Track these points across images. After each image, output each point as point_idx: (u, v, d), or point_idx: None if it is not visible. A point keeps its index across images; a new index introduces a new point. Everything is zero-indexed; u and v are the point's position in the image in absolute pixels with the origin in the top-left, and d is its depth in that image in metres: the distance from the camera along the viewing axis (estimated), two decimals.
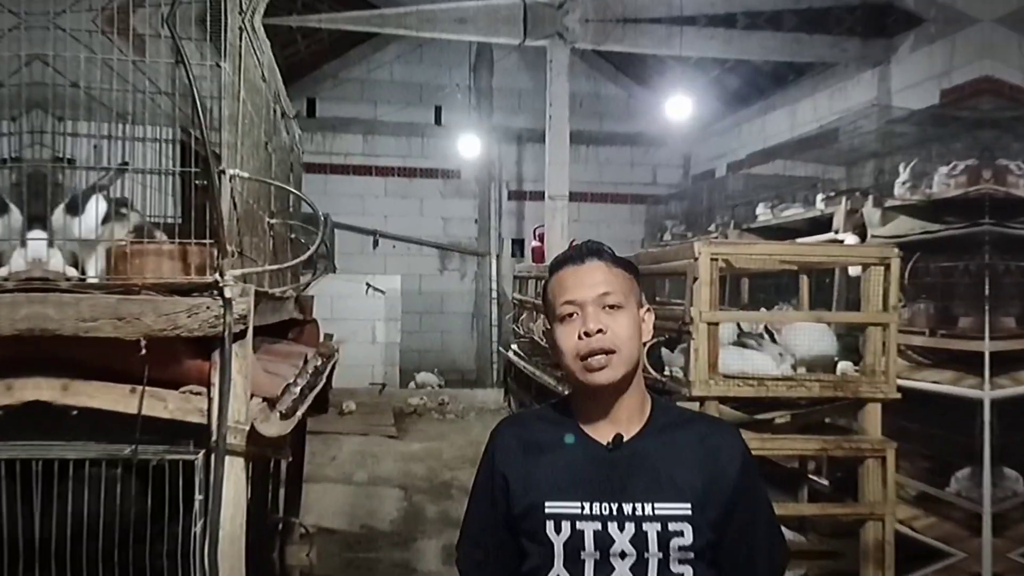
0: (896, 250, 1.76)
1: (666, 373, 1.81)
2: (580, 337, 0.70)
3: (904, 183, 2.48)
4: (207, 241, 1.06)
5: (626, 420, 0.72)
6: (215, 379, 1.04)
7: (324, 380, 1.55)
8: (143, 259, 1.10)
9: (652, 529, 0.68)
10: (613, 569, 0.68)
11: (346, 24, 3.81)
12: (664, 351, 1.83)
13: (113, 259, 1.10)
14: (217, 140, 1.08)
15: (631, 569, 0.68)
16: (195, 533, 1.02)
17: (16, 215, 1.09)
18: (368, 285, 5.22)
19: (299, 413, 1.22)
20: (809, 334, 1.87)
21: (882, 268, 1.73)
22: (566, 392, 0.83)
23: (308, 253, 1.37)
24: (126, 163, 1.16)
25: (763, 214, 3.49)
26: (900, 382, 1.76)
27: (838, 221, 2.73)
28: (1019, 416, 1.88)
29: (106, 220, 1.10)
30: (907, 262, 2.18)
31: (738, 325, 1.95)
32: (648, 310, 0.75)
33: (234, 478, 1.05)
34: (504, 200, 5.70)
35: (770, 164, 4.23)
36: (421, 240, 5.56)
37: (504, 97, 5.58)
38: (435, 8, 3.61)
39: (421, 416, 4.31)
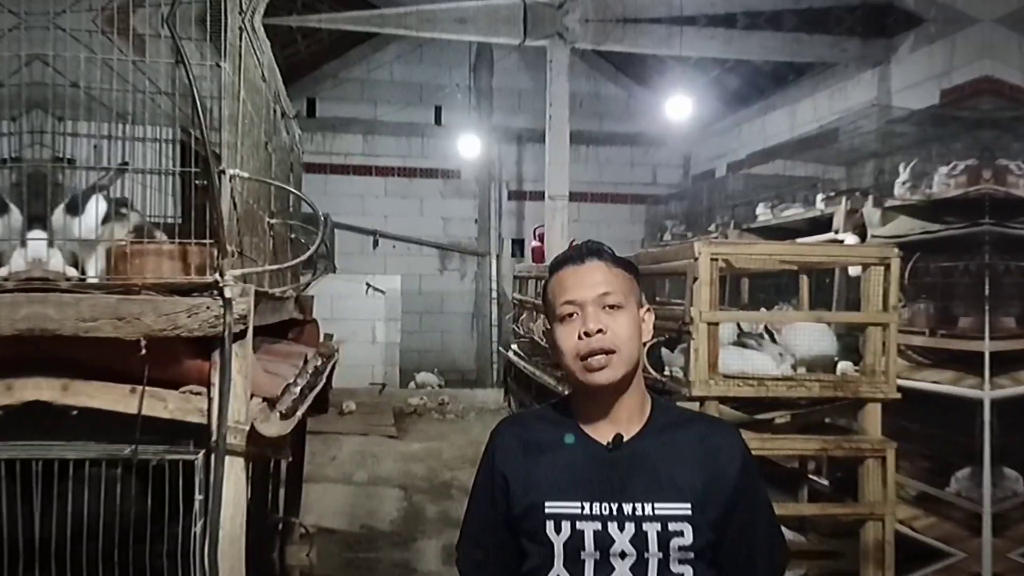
0: (896, 250, 1.76)
1: (666, 373, 1.81)
2: (580, 337, 0.70)
3: (904, 183, 2.48)
4: (207, 241, 1.06)
5: (626, 420, 0.72)
6: (215, 379, 1.04)
7: (324, 380, 1.55)
8: (143, 259, 1.10)
9: (652, 529, 0.68)
10: (613, 569, 0.68)
11: (346, 24, 3.82)
12: (664, 351, 1.83)
13: (113, 259, 1.10)
14: (217, 140, 1.07)
15: (631, 569, 0.68)
16: (195, 533, 1.02)
17: (16, 215, 1.09)
18: (368, 285, 5.22)
19: (299, 413, 1.22)
20: (809, 334, 1.87)
21: (882, 268, 1.73)
22: (566, 392, 0.83)
23: (308, 253, 1.37)
24: (126, 163, 1.16)
25: (763, 214, 3.49)
26: (900, 382, 1.76)
27: (838, 221, 2.73)
28: (1019, 416, 1.88)
29: (106, 220, 1.10)
30: (907, 262, 2.18)
31: (738, 325, 1.95)
32: (648, 310, 0.75)
33: (234, 478, 1.05)
34: (504, 200, 5.70)
35: (770, 164, 4.24)
36: (421, 240, 5.56)
37: (504, 97, 5.58)
38: (435, 8, 3.61)
39: (421, 416, 4.31)
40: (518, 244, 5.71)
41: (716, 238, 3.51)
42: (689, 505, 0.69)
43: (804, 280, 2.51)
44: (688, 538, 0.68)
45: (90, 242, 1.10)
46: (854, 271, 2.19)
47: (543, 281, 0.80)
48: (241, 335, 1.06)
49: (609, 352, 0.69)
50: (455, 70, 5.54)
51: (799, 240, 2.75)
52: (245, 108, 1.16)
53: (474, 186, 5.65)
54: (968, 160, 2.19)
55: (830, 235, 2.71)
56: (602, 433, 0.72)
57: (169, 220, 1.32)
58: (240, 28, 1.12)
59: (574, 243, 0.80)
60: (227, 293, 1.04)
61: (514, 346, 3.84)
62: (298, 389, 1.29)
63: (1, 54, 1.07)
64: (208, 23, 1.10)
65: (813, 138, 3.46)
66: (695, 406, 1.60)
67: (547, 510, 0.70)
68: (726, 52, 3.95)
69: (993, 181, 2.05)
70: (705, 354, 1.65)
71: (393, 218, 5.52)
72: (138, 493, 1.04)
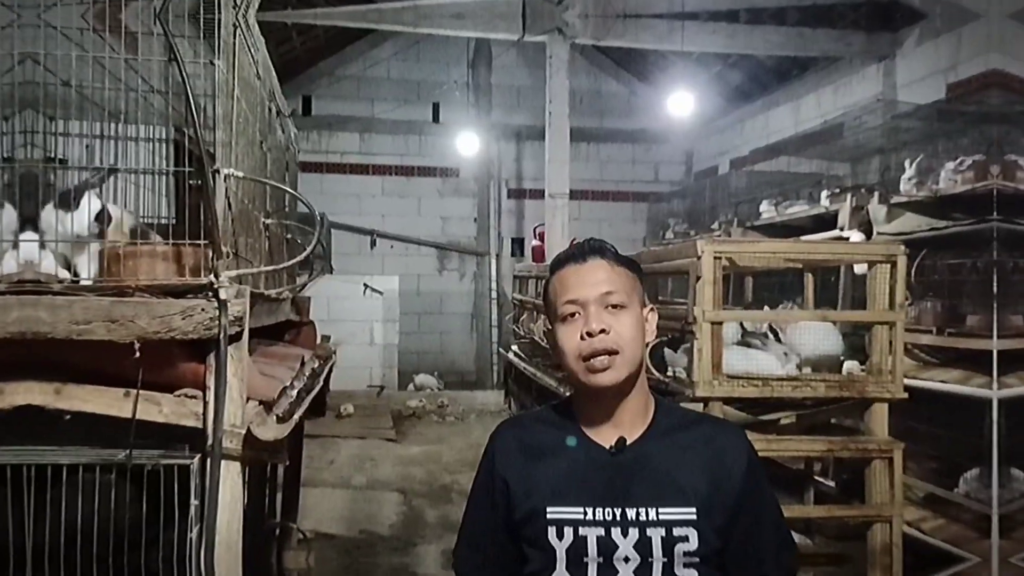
0: (902, 247, 1.74)
1: (669, 374, 1.80)
2: (582, 337, 0.69)
3: (910, 179, 2.47)
4: (201, 242, 1.04)
5: (629, 422, 0.71)
6: (210, 382, 1.03)
7: (321, 382, 1.54)
8: (137, 260, 1.08)
9: (656, 535, 0.67)
10: (616, 572, 0.67)
11: (342, 20, 3.80)
12: (667, 351, 1.82)
13: (106, 261, 1.09)
14: (211, 139, 1.06)
15: (635, 572, 0.67)
16: (191, 539, 1.01)
17: (8, 214, 1.07)
18: (366, 286, 5.22)
19: (296, 416, 1.21)
20: (814, 333, 1.86)
21: (888, 266, 1.72)
22: (568, 394, 0.81)
23: (304, 253, 1.35)
24: (116, 168, 1.14)
25: (767, 211, 3.49)
26: (907, 382, 1.75)
27: (843, 218, 2.72)
28: None
29: (98, 218, 1.09)
30: (914, 259, 2.17)
31: (742, 324, 1.94)
32: (651, 310, 0.74)
33: (230, 483, 1.04)
34: (504, 199, 5.69)
35: (774, 160, 4.22)
36: (419, 240, 5.55)
37: (503, 94, 5.57)
38: (432, 3, 3.60)
39: (420, 419, 4.31)
40: (518, 243, 5.70)
41: (719, 236, 3.50)
42: (694, 510, 0.68)
43: (809, 278, 2.48)
44: (693, 543, 0.67)
45: (83, 240, 1.08)
46: (860, 269, 2.17)
47: (544, 281, 0.79)
48: (237, 337, 1.05)
49: (612, 353, 0.68)
50: (453, 67, 5.52)
51: (804, 238, 2.74)
52: (240, 106, 1.14)
53: (473, 184, 5.64)
54: (975, 155, 2.18)
55: (835, 232, 2.70)
56: (605, 436, 0.71)
57: (163, 221, 1.31)
58: (234, 25, 1.10)
59: (575, 242, 0.79)
60: (222, 295, 1.02)
61: (514, 347, 3.83)
62: (295, 392, 1.27)
63: None
64: (201, 19, 1.08)
65: (817, 134, 3.44)
66: (699, 407, 1.59)
67: (549, 516, 0.69)
68: (729, 47, 3.92)
69: (1001, 176, 2.03)
70: (709, 354, 1.63)
71: (391, 217, 5.51)
72: (132, 498, 1.03)
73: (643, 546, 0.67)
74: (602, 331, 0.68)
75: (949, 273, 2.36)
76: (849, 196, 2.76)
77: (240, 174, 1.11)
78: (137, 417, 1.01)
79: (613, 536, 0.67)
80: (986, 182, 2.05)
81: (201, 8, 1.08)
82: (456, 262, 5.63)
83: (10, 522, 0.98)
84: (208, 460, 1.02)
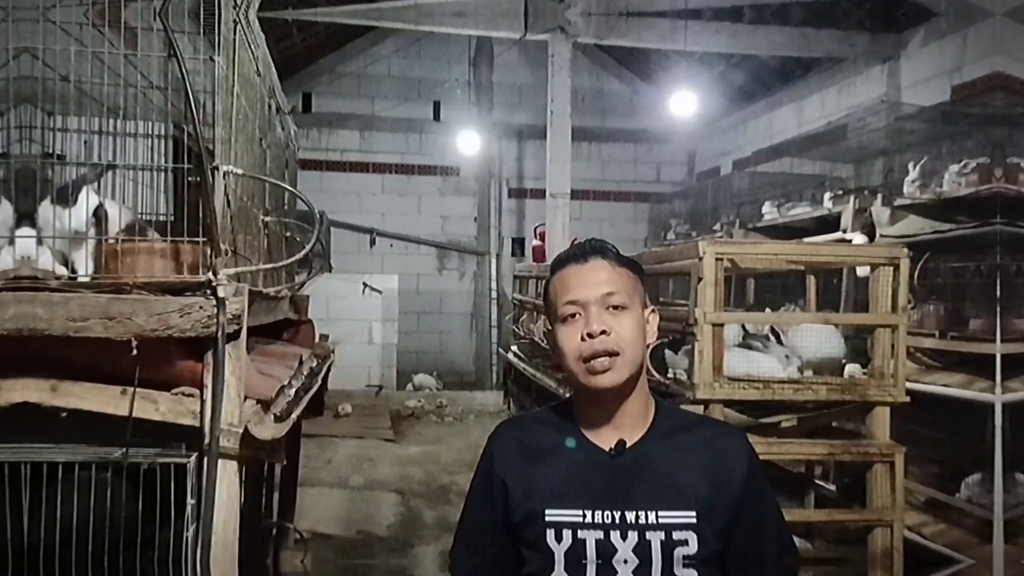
0: (905, 250, 1.73)
1: (670, 375, 1.79)
2: (583, 338, 0.68)
3: (914, 181, 2.46)
4: (200, 239, 1.04)
5: (629, 425, 0.71)
6: (208, 380, 1.02)
7: (319, 382, 1.54)
8: (134, 257, 1.07)
9: (656, 538, 0.67)
10: (615, 573, 0.66)
11: (343, 18, 3.79)
12: (668, 353, 1.81)
13: (104, 257, 1.08)
14: (210, 136, 1.05)
15: (633, 572, 0.66)
16: (187, 538, 1.00)
17: (2, 212, 1.06)
18: (365, 285, 5.20)
19: (294, 415, 1.20)
20: (816, 336, 1.85)
21: (891, 268, 1.71)
22: (567, 395, 0.80)
23: (304, 252, 1.35)
24: (113, 164, 1.13)
25: (769, 213, 3.48)
26: (909, 385, 1.74)
27: (846, 220, 2.71)
28: None
29: (96, 213, 1.08)
30: (917, 262, 2.15)
31: (743, 326, 1.93)
32: (653, 311, 0.73)
33: (227, 482, 1.03)
34: (504, 198, 5.68)
35: (776, 162, 4.22)
36: (419, 239, 5.55)
37: (504, 92, 5.56)
38: (434, 1, 3.59)
39: (419, 419, 4.31)
40: (518, 243, 5.69)
41: (721, 237, 3.49)
42: (694, 513, 0.67)
43: (811, 280, 2.47)
44: (693, 547, 0.67)
45: (80, 237, 1.07)
46: (862, 271, 2.16)
47: (544, 281, 0.78)
48: (235, 335, 1.04)
49: (613, 354, 0.68)
50: (454, 65, 5.51)
51: (806, 240, 2.73)
52: (239, 103, 1.13)
53: (473, 183, 5.63)
54: (979, 158, 2.17)
55: (838, 234, 2.69)
56: (604, 438, 0.70)
57: (161, 217, 1.30)
58: (234, 21, 1.10)
59: (576, 242, 0.78)
60: (220, 292, 1.02)
61: (514, 347, 3.83)
62: (293, 391, 1.27)
63: None
64: (201, 16, 1.07)
65: (821, 135, 3.43)
66: (699, 409, 1.58)
67: (547, 518, 0.68)
68: (732, 47, 3.91)
69: (1005, 180, 2.03)
70: (710, 356, 1.62)
71: (391, 216, 5.50)
72: (129, 497, 1.03)
73: (642, 549, 0.66)
74: (603, 332, 0.68)
75: (952, 276, 2.35)
76: (852, 198, 2.75)
77: (239, 171, 1.11)
78: (134, 415, 1.01)
79: (612, 539, 0.67)
80: (990, 185, 2.04)
81: (201, 5, 1.07)
82: (456, 261, 5.62)
83: (6, 520, 0.98)
84: (205, 459, 1.01)
